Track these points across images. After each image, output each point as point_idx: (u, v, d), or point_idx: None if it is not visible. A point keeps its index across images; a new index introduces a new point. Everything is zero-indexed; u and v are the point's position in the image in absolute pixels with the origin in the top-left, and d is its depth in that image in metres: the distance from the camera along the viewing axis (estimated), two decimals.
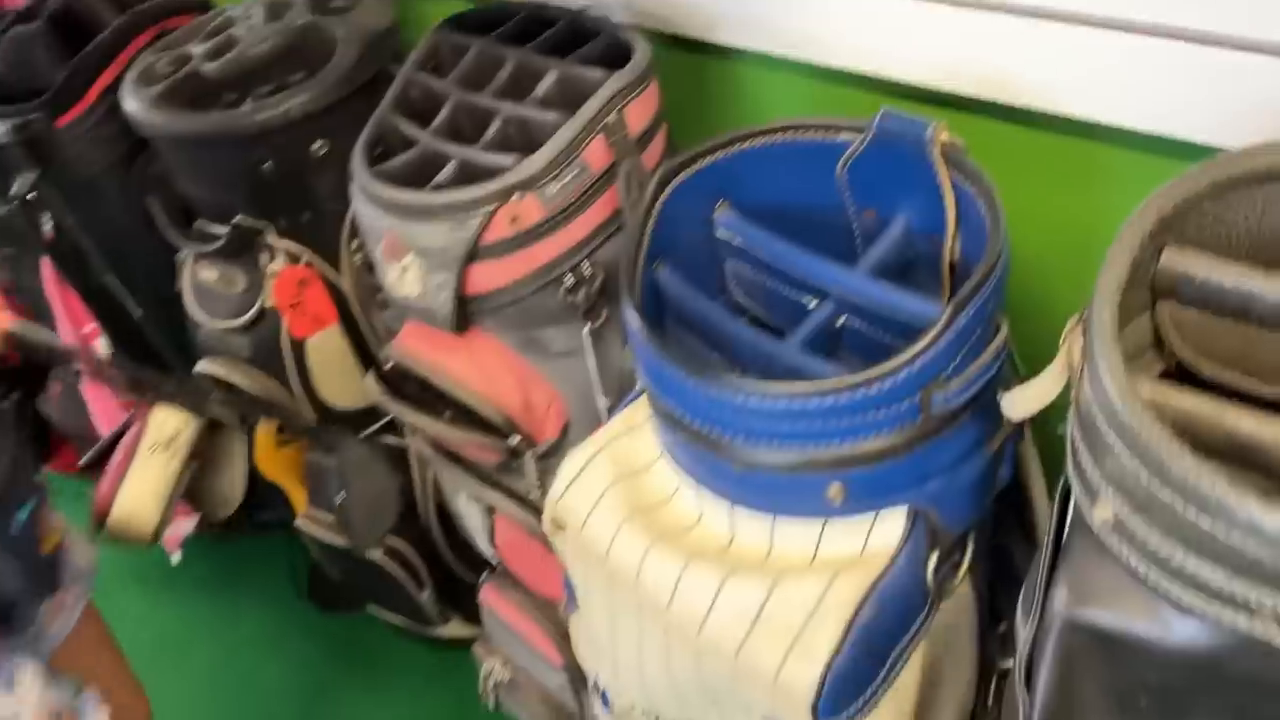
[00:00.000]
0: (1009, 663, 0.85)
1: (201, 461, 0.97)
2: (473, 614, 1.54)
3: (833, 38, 0.89)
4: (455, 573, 1.45)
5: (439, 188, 0.85)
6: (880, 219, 0.81)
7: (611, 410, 0.98)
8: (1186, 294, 0.60)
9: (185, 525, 1.37)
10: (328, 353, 1.16)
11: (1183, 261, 0.60)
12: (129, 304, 1.29)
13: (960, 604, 0.80)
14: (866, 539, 0.71)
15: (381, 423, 1.27)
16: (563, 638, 1.17)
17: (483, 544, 1.10)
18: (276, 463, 1.62)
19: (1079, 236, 0.86)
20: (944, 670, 0.82)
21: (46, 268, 1.31)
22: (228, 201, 1.08)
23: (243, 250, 1.10)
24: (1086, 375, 0.56)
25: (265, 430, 1.59)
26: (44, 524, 0.77)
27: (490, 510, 1.03)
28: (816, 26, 0.89)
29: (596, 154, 0.85)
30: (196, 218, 1.16)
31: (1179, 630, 0.54)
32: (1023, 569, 0.70)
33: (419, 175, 0.88)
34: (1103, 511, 0.55)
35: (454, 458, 1.03)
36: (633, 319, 0.70)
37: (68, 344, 1.12)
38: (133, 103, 1.05)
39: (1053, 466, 0.69)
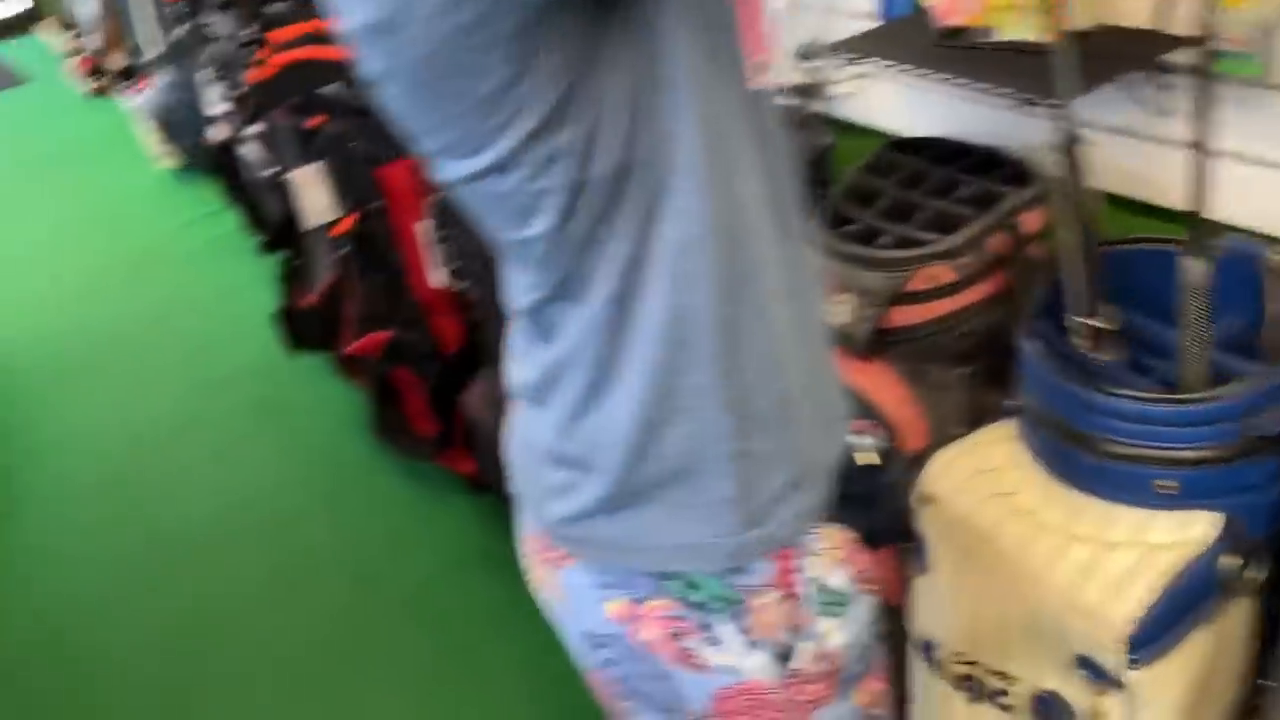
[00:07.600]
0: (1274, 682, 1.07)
1: None
2: None
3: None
4: None
5: (882, 248, 1.20)
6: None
7: (961, 437, 1.28)
8: None
9: None
10: None
11: None
12: None
13: (1244, 615, 1.04)
14: (1184, 530, 0.97)
15: None
16: None
17: None
18: None
19: None
20: (1217, 666, 1.05)
21: None
22: None
23: None
24: None
25: None
26: None
27: None
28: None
29: (996, 244, 1.18)
30: None
31: None
32: None
33: (863, 240, 1.24)
34: None
35: None
36: (1039, 356, 1.02)
37: None
38: None
39: None
